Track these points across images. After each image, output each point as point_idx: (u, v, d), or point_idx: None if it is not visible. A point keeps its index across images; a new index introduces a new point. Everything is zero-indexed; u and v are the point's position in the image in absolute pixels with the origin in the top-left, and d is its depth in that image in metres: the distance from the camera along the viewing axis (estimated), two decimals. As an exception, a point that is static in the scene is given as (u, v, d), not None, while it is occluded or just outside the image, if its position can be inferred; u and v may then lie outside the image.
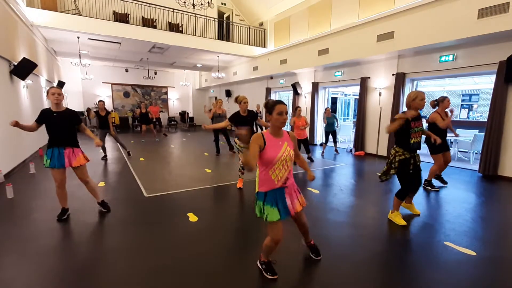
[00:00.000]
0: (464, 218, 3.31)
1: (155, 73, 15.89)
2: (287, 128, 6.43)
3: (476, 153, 6.79)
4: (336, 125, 7.65)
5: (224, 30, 12.33)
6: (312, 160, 6.68)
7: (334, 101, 13.75)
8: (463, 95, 19.60)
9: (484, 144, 5.42)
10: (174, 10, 9.66)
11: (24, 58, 5.50)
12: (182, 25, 10.58)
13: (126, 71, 15.53)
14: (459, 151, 7.31)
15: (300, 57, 9.35)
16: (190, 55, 11.59)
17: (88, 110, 13.35)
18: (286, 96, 12.28)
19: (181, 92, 17.70)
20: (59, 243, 2.67)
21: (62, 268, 2.23)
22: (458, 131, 8.01)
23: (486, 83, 13.50)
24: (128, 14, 9.67)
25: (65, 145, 3.05)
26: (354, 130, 8.66)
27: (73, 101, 13.56)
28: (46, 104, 8.45)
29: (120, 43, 9.59)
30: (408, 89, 6.98)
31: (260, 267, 2.17)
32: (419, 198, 3.95)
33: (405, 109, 3.07)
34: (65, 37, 8.51)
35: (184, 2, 7.27)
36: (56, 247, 2.57)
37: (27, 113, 6.44)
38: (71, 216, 3.22)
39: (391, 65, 7.18)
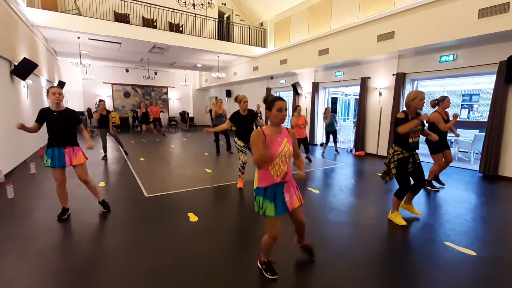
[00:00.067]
0: (464, 218, 3.31)
1: (156, 73, 15.91)
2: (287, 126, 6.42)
3: (476, 153, 6.79)
4: (335, 125, 7.65)
5: (224, 30, 12.34)
6: (310, 160, 6.62)
7: (334, 101, 13.75)
8: (463, 95, 19.59)
9: (485, 144, 5.42)
10: (175, 10, 9.67)
11: (24, 58, 5.51)
12: (182, 25, 10.59)
13: (127, 71, 15.54)
14: (460, 151, 7.31)
15: (301, 57, 9.35)
16: (191, 55, 11.59)
17: (89, 110, 13.38)
18: (286, 96, 12.24)
19: (181, 92, 17.71)
20: (59, 243, 2.68)
21: (62, 268, 2.23)
22: (458, 131, 7.99)
23: (486, 83, 13.50)
24: (129, 14, 9.68)
25: (65, 144, 3.06)
26: (354, 130, 8.66)
27: (73, 101, 13.57)
28: (47, 104, 8.45)
29: (120, 43, 9.60)
30: (408, 89, 6.98)
31: (260, 267, 2.17)
32: (419, 198, 3.94)
33: (405, 109, 3.06)
34: (66, 37, 8.53)
35: (185, 2, 7.27)
36: (56, 247, 2.57)
37: (28, 113, 6.45)
38: (72, 216, 3.22)
39: (392, 65, 7.18)
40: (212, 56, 11.76)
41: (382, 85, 7.45)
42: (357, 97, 9.21)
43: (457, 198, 4.08)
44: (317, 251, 2.41)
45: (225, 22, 12.54)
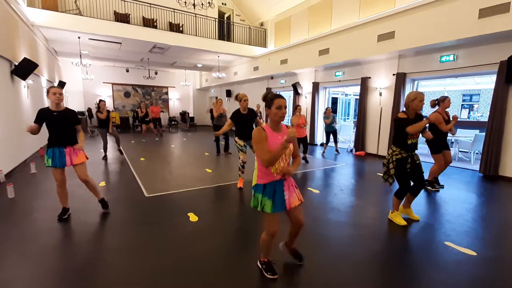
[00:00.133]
0: (464, 218, 3.30)
1: (156, 73, 15.91)
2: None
3: (476, 153, 6.78)
4: (334, 125, 7.65)
5: (224, 30, 12.34)
6: (306, 161, 6.53)
7: (334, 101, 13.75)
8: (463, 95, 19.57)
9: (485, 144, 5.41)
10: (175, 10, 9.67)
11: (25, 58, 5.51)
12: (182, 25, 10.59)
13: (127, 71, 15.55)
14: (460, 151, 7.30)
15: (301, 57, 9.35)
16: (191, 55, 11.59)
17: (89, 110, 13.39)
18: (286, 96, 12.26)
19: (181, 92, 17.71)
20: (59, 243, 2.68)
21: (62, 268, 2.23)
22: (458, 131, 8.01)
23: (486, 83, 13.49)
24: (129, 14, 9.68)
25: (65, 144, 3.06)
26: (355, 130, 8.66)
27: (73, 101, 13.58)
28: (47, 104, 8.45)
29: (120, 43, 9.60)
30: (408, 89, 6.98)
31: (260, 267, 2.17)
32: (419, 198, 3.93)
33: (404, 109, 3.06)
34: (66, 37, 8.53)
35: (185, 2, 7.28)
36: (56, 247, 2.58)
37: (28, 113, 6.46)
38: (72, 216, 3.22)
39: (392, 65, 7.17)
40: (212, 56, 11.76)
41: (382, 85, 7.45)
42: (357, 97, 9.21)
43: (457, 198, 4.07)
44: (317, 251, 2.41)
45: (225, 22, 12.54)
